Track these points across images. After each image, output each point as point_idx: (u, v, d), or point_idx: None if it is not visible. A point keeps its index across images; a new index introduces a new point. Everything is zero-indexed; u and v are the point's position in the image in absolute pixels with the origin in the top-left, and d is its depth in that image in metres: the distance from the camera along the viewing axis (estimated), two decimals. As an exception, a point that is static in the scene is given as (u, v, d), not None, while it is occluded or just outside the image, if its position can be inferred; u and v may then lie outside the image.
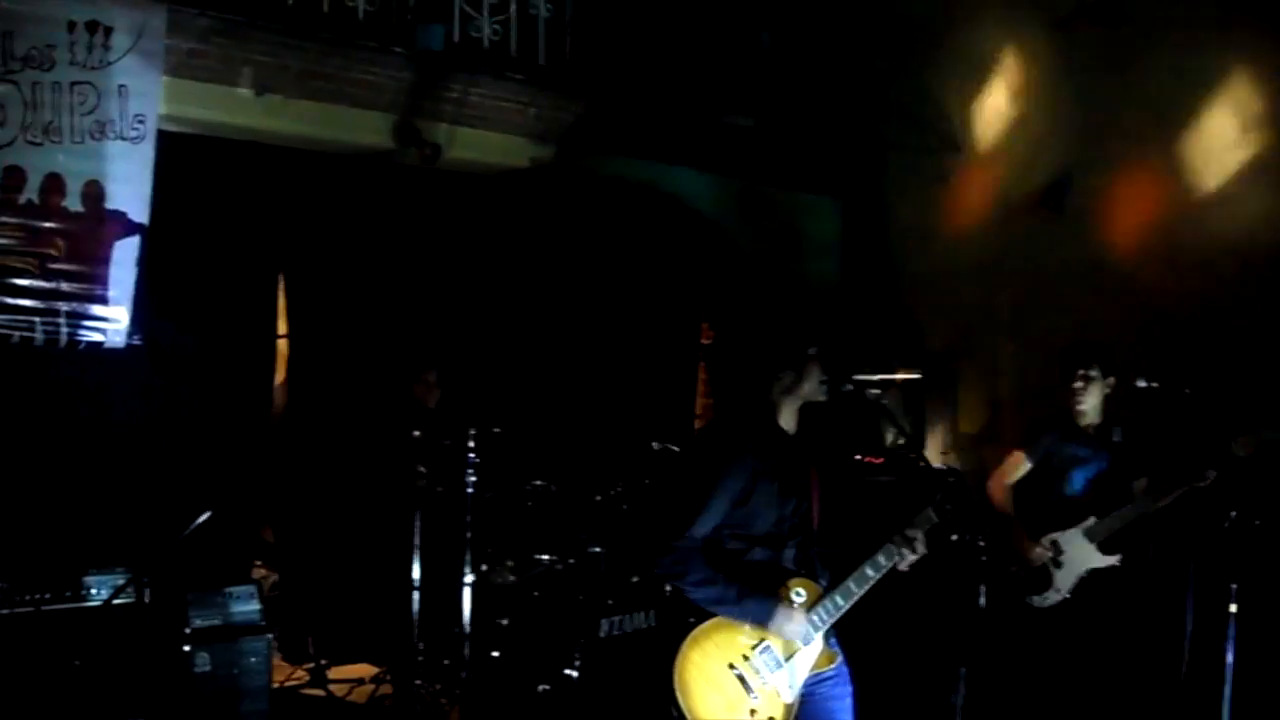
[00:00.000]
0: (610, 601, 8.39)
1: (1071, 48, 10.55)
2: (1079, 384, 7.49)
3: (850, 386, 5.41)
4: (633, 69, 10.89)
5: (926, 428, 11.49)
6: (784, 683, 5.14)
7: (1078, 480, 7.54)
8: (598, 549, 8.78)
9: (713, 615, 5.13)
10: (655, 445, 9.21)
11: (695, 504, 5.12)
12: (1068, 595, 7.30)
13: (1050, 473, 7.59)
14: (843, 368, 5.40)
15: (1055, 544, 7.35)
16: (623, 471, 9.26)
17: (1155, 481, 7.36)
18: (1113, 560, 7.31)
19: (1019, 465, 7.68)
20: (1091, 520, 7.32)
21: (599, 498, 8.93)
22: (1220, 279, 9.45)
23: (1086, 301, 10.19)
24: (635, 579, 8.76)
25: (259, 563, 10.74)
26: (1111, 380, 7.49)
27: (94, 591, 7.06)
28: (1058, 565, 7.31)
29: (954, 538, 5.43)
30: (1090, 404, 7.52)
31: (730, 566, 5.16)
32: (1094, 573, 7.30)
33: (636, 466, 9.32)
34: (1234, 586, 6.44)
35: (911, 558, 5.30)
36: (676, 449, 9.07)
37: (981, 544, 5.60)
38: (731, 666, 5.10)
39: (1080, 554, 7.32)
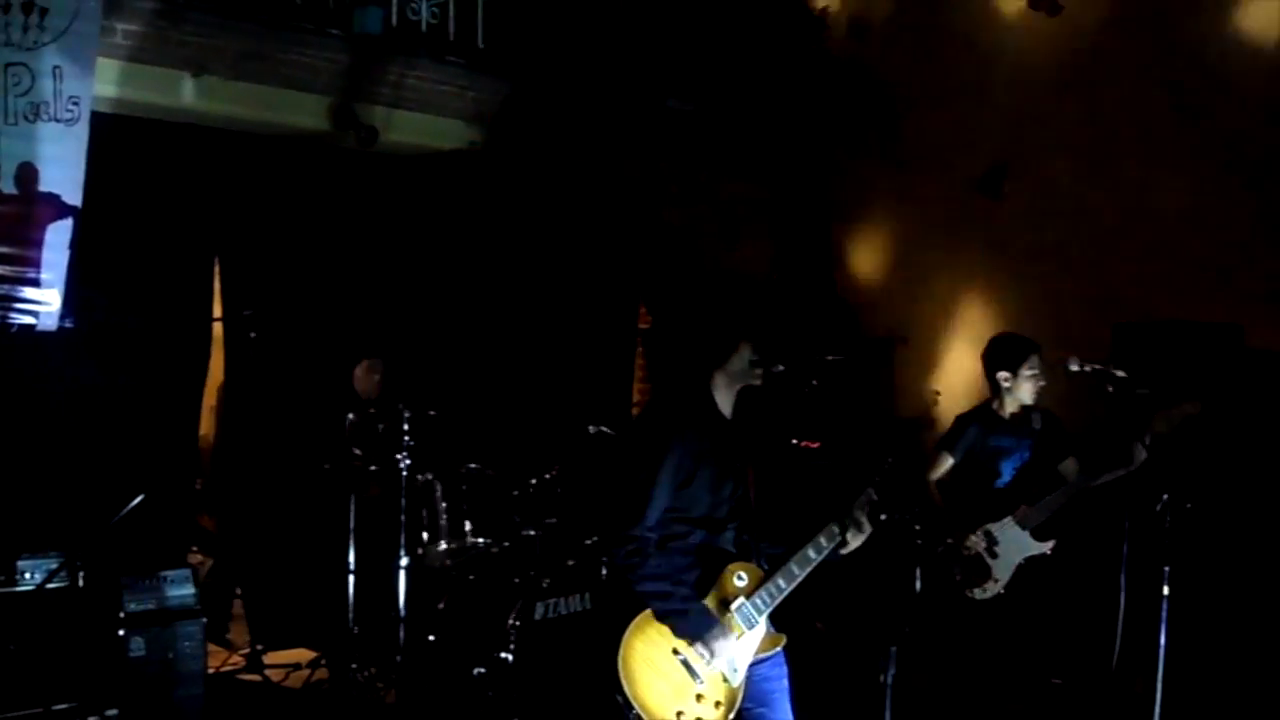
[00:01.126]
0: (545, 584, 8.40)
1: (1011, 36, 10.65)
2: (1041, 377, 7.52)
3: (782, 368, 5.44)
4: (570, 53, 10.89)
5: (863, 413, 11.55)
6: (728, 666, 5.16)
7: (1006, 471, 7.57)
8: (533, 532, 8.78)
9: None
10: (591, 429, 9.22)
11: (643, 490, 5.14)
12: (1005, 584, 7.36)
13: (977, 466, 7.62)
14: (776, 351, 5.42)
15: (989, 534, 7.36)
16: (559, 455, 9.26)
17: (1084, 462, 7.42)
18: (1047, 547, 7.36)
19: (943, 463, 7.73)
20: (1023, 508, 7.37)
21: (534, 481, 8.93)
22: (1153, 263, 9.57)
23: (1025, 284, 10.29)
24: (570, 562, 8.77)
25: (195, 548, 10.71)
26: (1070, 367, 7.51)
27: (27, 575, 7.01)
28: (993, 555, 7.33)
29: (883, 517, 5.45)
30: (1027, 396, 7.56)
31: (667, 552, 5.19)
32: (1029, 560, 7.35)
33: (572, 450, 9.33)
34: (1166, 569, 6.50)
35: (856, 540, 5.34)
36: (612, 433, 9.09)
37: (917, 526, 5.63)
38: (675, 652, 5.12)
39: (1015, 542, 7.35)
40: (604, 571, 8.74)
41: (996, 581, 7.33)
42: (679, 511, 5.22)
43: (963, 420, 7.77)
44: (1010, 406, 7.57)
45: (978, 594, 7.36)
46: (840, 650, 8.02)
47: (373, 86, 9.96)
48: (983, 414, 7.67)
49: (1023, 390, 7.52)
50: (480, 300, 11.04)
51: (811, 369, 5.82)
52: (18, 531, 7.43)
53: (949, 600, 7.38)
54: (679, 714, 5.06)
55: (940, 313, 11.34)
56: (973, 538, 7.35)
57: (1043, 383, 7.51)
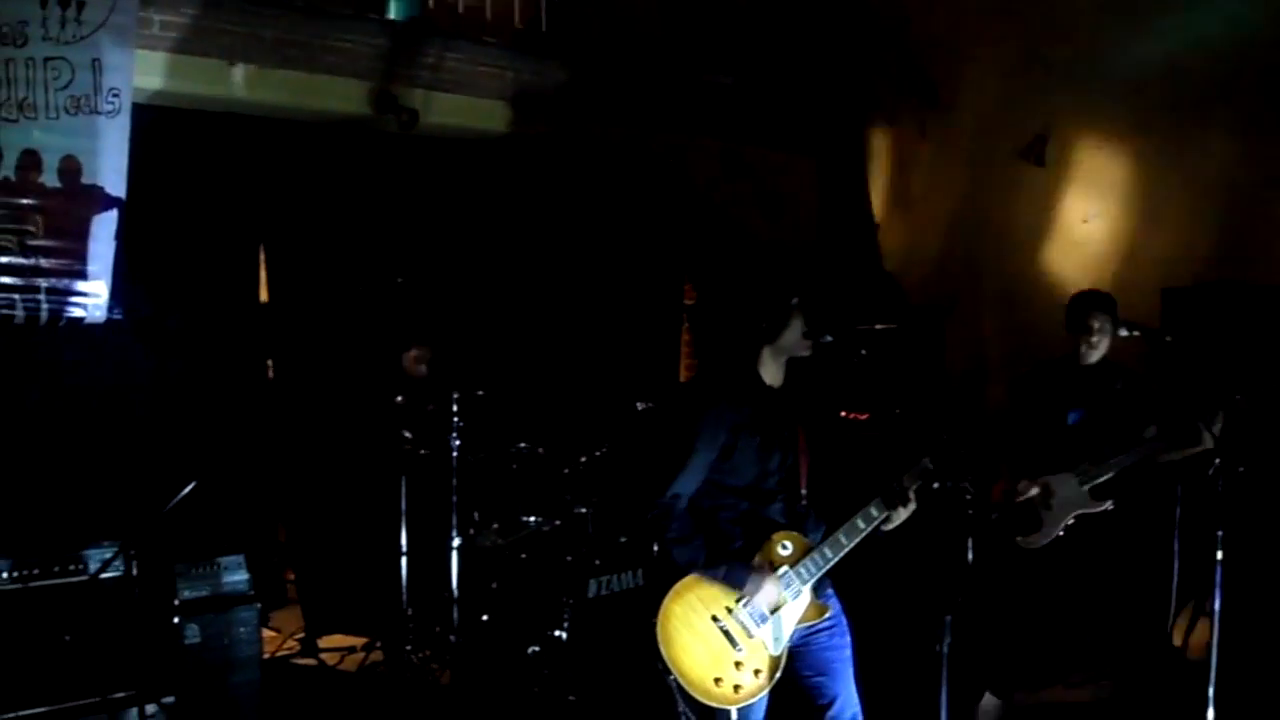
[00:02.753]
0: (598, 562, 8.41)
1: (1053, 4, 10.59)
2: (1096, 330, 7.46)
3: (830, 339, 5.42)
4: (610, 30, 10.86)
5: (911, 384, 11.51)
6: (769, 635, 5.16)
7: (1073, 421, 7.53)
8: (584, 510, 8.79)
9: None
10: (640, 406, 9.22)
11: (676, 460, 5.16)
12: (1057, 536, 7.31)
13: (1046, 413, 7.58)
14: (823, 320, 5.41)
15: (1047, 486, 7.32)
16: (608, 432, 9.27)
17: (1164, 432, 7.36)
18: (1103, 506, 7.31)
19: (1016, 403, 7.72)
20: (1085, 465, 7.32)
21: (584, 459, 8.94)
22: (1194, 231, 9.50)
23: (1070, 253, 10.23)
24: (623, 539, 8.78)
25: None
26: (1120, 332, 7.46)
27: (83, 565, 7.05)
28: (1047, 507, 7.30)
29: (935, 486, 5.43)
30: (1101, 351, 7.50)
31: (714, 522, 5.20)
32: (1083, 518, 7.31)
33: (621, 427, 9.33)
34: (1220, 534, 6.46)
35: (902, 514, 5.33)
36: (660, 408, 9.09)
37: (969, 496, 5.60)
38: (715, 619, 5.12)
39: (1071, 498, 7.30)
40: (655, 547, 8.76)
41: (1046, 535, 7.30)
42: (721, 483, 5.24)
43: (1043, 366, 7.70)
44: (1088, 359, 7.51)
45: (1025, 543, 7.34)
46: (895, 619, 7.98)
47: (411, 70, 9.94)
48: (1063, 362, 7.58)
49: (1090, 347, 7.46)
50: (526, 280, 11.04)
51: (860, 339, 5.81)
52: (72, 522, 7.47)
53: (1000, 557, 7.34)
54: (717, 680, 5.08)
55: (987, 280, 11.28)
56: (1024, 484, 7.30)
57: (1104, 338, 7.44)
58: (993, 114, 11.18)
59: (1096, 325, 7.41)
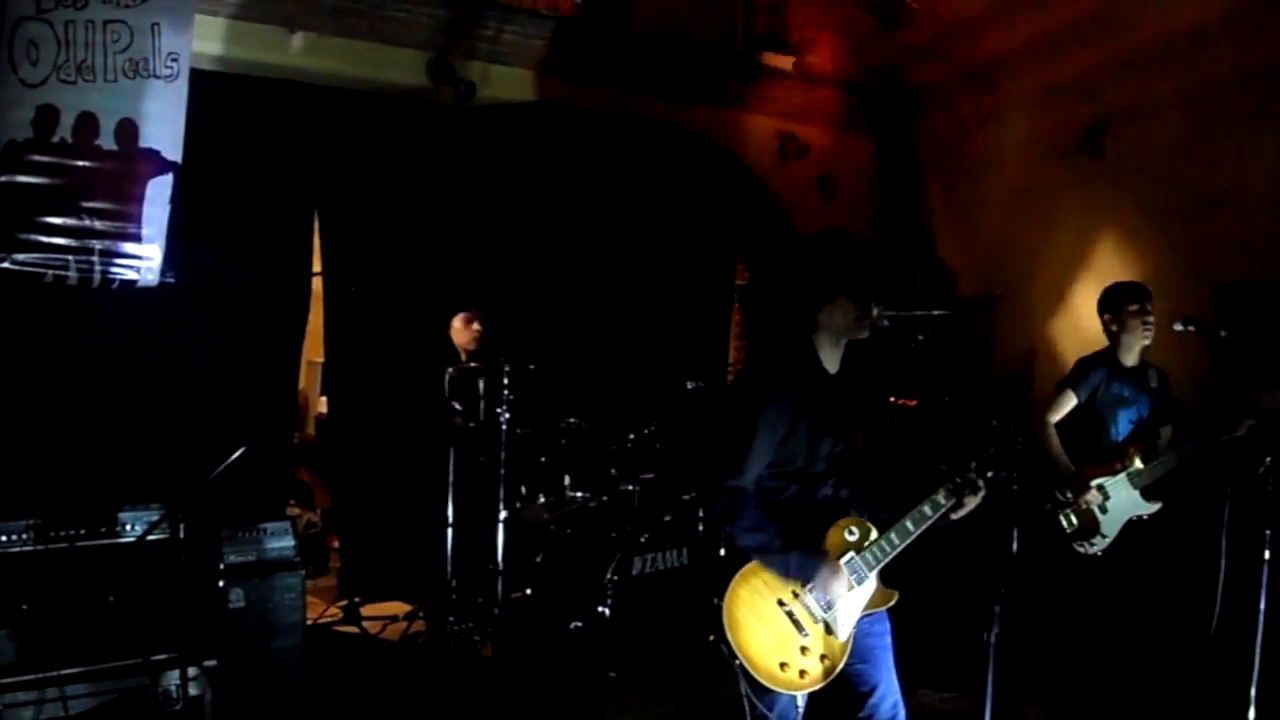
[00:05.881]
0: (643, 539, 8.40)
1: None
2: (1148, 321, 7.39)
3: (887, 323, 5.38)
4: (665, 7, 10.84)
5: (962, 371, 11.47)
6: (836, 620, 5.14)
7: (1123, 422, 7.45)
8: (631, 487, 8.78)
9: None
10: (689, 384, 9.20)
11: (741, 444, 5.12)
12: (1111, 541, 7.26)
13: (1097, 412, 7.50)
14: (881, 305, 5.37)
15: (1102, 489, 7.27)
16: (656, 410, 9.26)
17: (1182, 429, 7.31)
18: (1155, 507, 7.27)
19: (1065, 403, 7.53)
20: (1137, 465, 7.27)
21: (633, 436, 8.92)
22: (1249, 226, 9.42)
23: (1123, 246, 10.16)
24: (668, 517, 8.76)
25: (293, 501, 10.79)
26: (1174, 327, 7.39)
27: (128, 527, 7.05)
28: (1104, 511, 7.25)
29: (990, 475, 5.39)
30: (1147, 343, 7.44)
31: (773, 506, 5.17)
32: (1136, 519, 7.27)
33: (670, 405, 9.31)
34: (1268, 533, 6.40)
35: (973, 501, 5.29)
36: (710, 388, 9.07)
37: (1015, 486, 5.56)
38: (781, 604, 5.09)
39: (1126, 500, 7.26)
40: (701, 526, 8.74)
41: (1104, 537, 7.24)
42: (777, 466, 5.20)
43: (1087, 362, 7.56)
44: (1129, 358, 7.43)
45: (1085, 548, 7.28)
46: (941, 609, 7.94)
47: (469, 41, 9.94)
48: (1108, 358, 7.47)
49: (1130, 336, 7.38)
50: (578, 256, 11.04)
51: (916, 325, 5.76)
52: (119, 484, 7.50)
53: (1052, 558, 7.30)
54: (782, 665, 5.04)
55: (1039, 271, 11.22)
56: (1089, 494, 7.24)
57: (1149, 329, 7.37)
58: (1050, 104, 11.10)
59: (1149, 318, 7.35)
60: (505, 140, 10.54)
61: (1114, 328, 7.43)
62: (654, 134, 11.29)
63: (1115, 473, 7.28)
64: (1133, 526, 7.27)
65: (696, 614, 8.21)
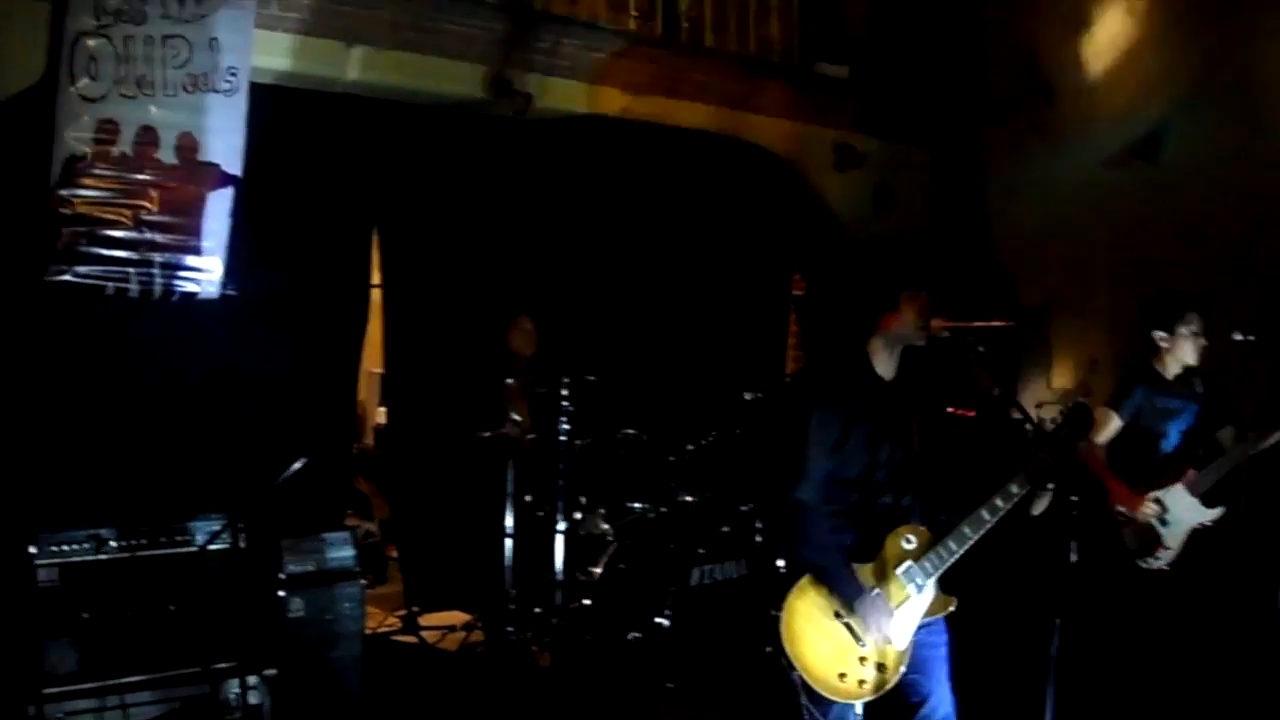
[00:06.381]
0: (701, 550, 8.41)
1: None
2: (1202, 342, 7.33)
3: (947, 334, 5.37)
4: (722, 16, 10.85)
5: (1019, 382, 11.42)
6: (894, 629, 5.14)
7: (1172, 434, 7.36)
8: (689, 498, 8.79)
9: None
10: (747, 395, 9.20)
11: (798, 453, 5.13)
12: (1177, 553, 7.19)
13: (1144, 428, 7.41)
14: (937, 312, 5.36)
15: (1159, 501, 7.17)
16: (715, 421, 9.26)
17: (1240, 430, 7.23)
18: (1217, 513, 7.18)
19: (1109, 422, 7.44)
20: (1191, 473, 7.20)
21: (691, 447, 8.94)
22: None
23: (1181, 255, 10.09)
24: (726, 528, 8.76)
25: (351, 512, 10.84)
26: (1234, 336, 7.33)
27: (190, 537, 7.12)
28: (1164, 524, 7.15)
29: (1050, 485, 5.38)
30: (1196, 363, 7.38)
31: (835, 517, 5.18)
32: (1200, 528, 7.18)
33: (728, 416, 9.31)
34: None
35: (1041, 504, 5.29)
36: (767, 399, 9.06)
37: (1074, 499, 5.53)
38: (838, 615, 5.11)
39: (1185, 509, 7.17)
40: (758, 538, 8.74)
41: (1168, 550, 7.15)
42: (836, 474, 5.20)
43: (1128, 379, 7.46)
44: (1173, 367, 7.36)
45: (1149, 563, 7.20)
46: (997, 622, 7.90)
47: (527, 54, 9.96)
48: (1148, 373, 7.38)
49: (1183, 350, 7.30)
50: (636, 267, 11.05)
51: (977, 334, 5.74)
52: (181, 493, 7.55)
53: (1114, 571, 7.23)
54: (841, 675, 5.06)
55: (1095, 280, 11.16)
56: (1146, 508, 7.18)
57: (1204, 342, 7.30)
58: (1107, 110, 11.04)
59: (1197, 328, 7.29)
60: (562, 151, 10.57)
61: (1164, 345, 7.35)
62: (710, 144, 11.28)
63: (1170, 483, 7.22)
64: (1198, 536, 7.19)
65: (754, 625, 8.20)
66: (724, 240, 11.61)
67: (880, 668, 5.12)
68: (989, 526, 5.23)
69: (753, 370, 11.24)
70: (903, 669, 5.17)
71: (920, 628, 5.26)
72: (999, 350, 10.21)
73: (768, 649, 5.14)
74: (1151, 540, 7.17)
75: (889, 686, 5.15)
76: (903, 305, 5.30)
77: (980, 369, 6.19)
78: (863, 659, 5.09)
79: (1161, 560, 7.17)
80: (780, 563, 7.81)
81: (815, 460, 5.16)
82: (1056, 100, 11.48)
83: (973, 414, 9.95)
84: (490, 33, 9.72)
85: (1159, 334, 7.33)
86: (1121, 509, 7.20)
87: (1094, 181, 11.12)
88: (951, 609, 5.32)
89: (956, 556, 5.22)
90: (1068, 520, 5.45)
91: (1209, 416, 7.37)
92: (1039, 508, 5.33)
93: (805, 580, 5.14)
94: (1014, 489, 5.20)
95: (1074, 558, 5.44)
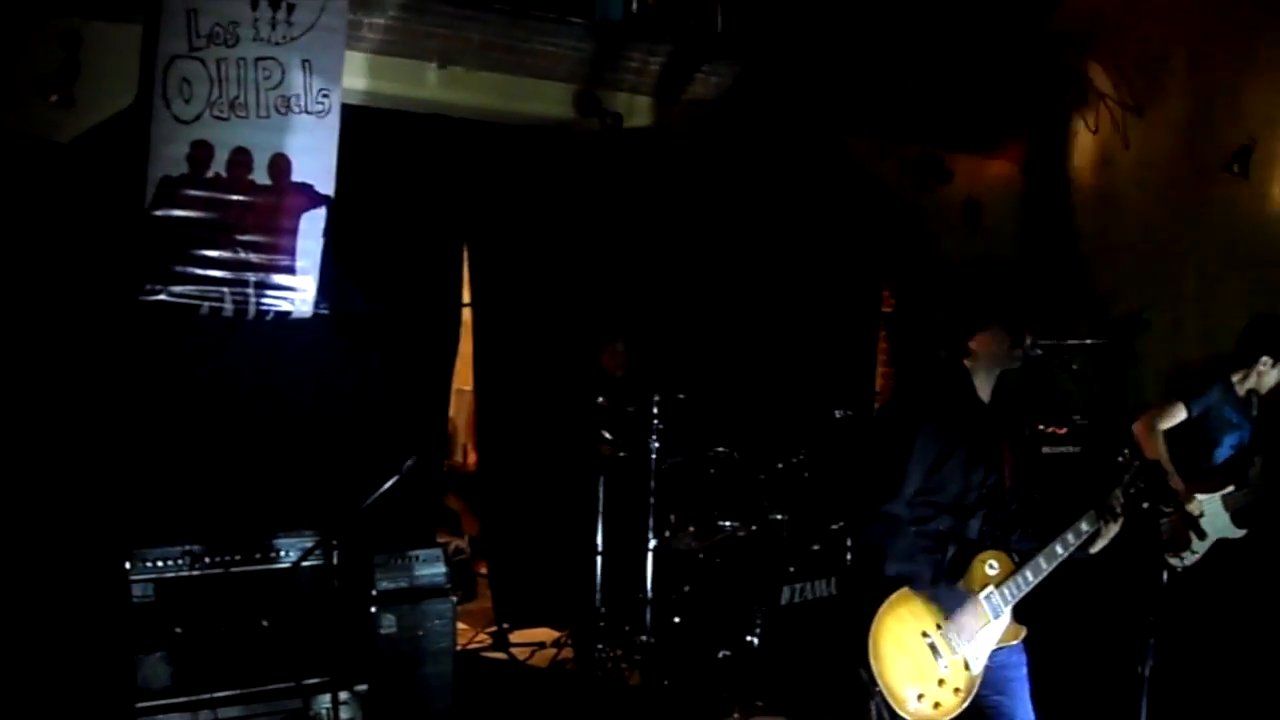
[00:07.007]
0: (792, 569, 8.40)
1: (1263, 7, 10.33)
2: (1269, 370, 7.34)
3: (1040, 351, 5.36)
4: (805, 32, 10.82)
5: (1109, 399, 11.32)
6: (972, 654, 5.14)
7: (1226, 445, 7.42)
8: (780, 516, 8.77)
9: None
10: (837, 413, 9.18)
11: (898, 467, 5.15)
12: (1199, 559, 7.19)
13: (1203, 431, 7.43)
14: (1034, 332, 5.36)
15: (1200, 504, 7.21)
16: (805, 439, 9.24)
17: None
18: (1241, 533, 7.22)
19: (1175, 414, 7.46)
20: (1231, 488, 7.19)
21: (781, 465, 8.93)
22: None
23: (1267, 272, 9.99)
24: (817, 547, 8.75)
25: (441, 528, 10.89)
26: None
27: (283, 554, 7.18)
28: (1199, 526, 7.13)
29: (1145, 506, 5.36)
30: (1270, 383, 7.40)
31: (923, 536, 5.18)
32: (1222, 542, 7.19)
33: (818, 434, 9.30)
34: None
35: (1109, 533, 5.27)
36: (857, 417, 9.05)
37: (1165, 518, 5.52)
38: (924, 635, 5.11)
39: (1217, 520, 7.21)
40: (849, 556, 8.71)
41: (1194, 554, 7.18)
42: (928, 494, 5.21)
43: (1206, 378, 7.51)
44: (1246, 386, 7.37)
45: (1175, 561, 7.20)
46: (1086, 642, 7.84)
47: (615, 73, 9.99)
48: (1226, 381, 7.44)
49: (1271, 377, 7.34)
50: (725, 285, 11.04)
51: (1072, 352, 5.73)
52: (275, 511, 7.62)
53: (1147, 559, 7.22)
54: (920, 696, 5.06)
55: (1183, 296, 11.04)
56: (1194, 503, 7.13)
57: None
58: (1196, 123, 10.94)
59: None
60: (651, 169, 10.58)
61: (1263, 369, 7.36)
62: (800, 160, 11.26)
63: (1214, 490, 7.22)
64: (1220, 547, 7.21)
65: (844, 644, 8.18)
66: (814, 256, 11.57)
67: (956, 690, 5.12)
68: (1067, 554, 5.24)
69: (842, 387, 11.22)
70: (974, 694, 5.16)
71: (998, 650, 5.26)
72: (1091, 365, 10.18)
73: (860, 670, 5.10)
74: (1183, 539, 7.13)
75: (961, 710, 5.14)
76: (997, 327, 5.30)
77: (1076, 385, 6.18)
78: (941, 681, 5.09)
79: (1185, 561, 7.21)
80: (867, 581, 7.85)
81: (913, 477, 5.17)
82: (1145, 111, 11.38)
83: (1063, 431, 9.88)
84: (578, 52, 9.75)
85: (1266, 359, 7.34)
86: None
87: (1183, 194, 11.02)
88: (1022, 637, 5.32)
89: (1033, 585, 5.23)
90: (1157, 542, 5.44)
91: (1257, 439, 7.37)
92: (1097, 547, 5.32)
93: (895, 597, 5.13)
94: (1084, 526, 5.24)
95: (1165, 577, 5.43)
